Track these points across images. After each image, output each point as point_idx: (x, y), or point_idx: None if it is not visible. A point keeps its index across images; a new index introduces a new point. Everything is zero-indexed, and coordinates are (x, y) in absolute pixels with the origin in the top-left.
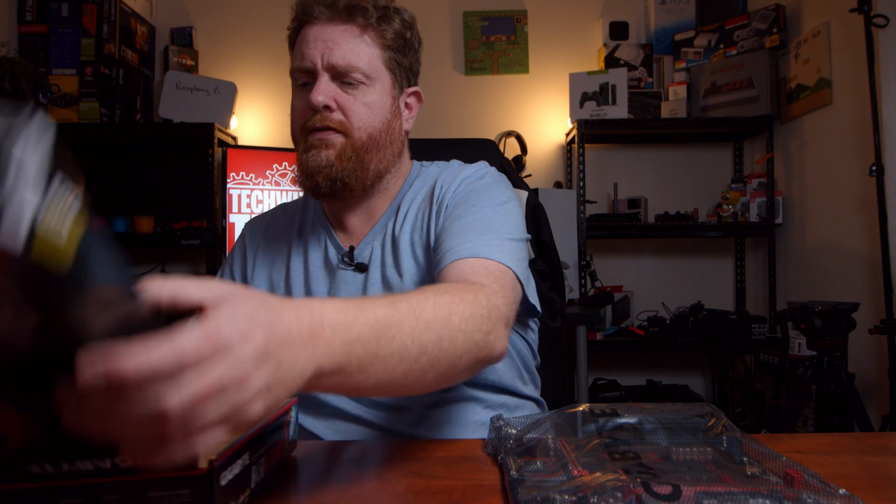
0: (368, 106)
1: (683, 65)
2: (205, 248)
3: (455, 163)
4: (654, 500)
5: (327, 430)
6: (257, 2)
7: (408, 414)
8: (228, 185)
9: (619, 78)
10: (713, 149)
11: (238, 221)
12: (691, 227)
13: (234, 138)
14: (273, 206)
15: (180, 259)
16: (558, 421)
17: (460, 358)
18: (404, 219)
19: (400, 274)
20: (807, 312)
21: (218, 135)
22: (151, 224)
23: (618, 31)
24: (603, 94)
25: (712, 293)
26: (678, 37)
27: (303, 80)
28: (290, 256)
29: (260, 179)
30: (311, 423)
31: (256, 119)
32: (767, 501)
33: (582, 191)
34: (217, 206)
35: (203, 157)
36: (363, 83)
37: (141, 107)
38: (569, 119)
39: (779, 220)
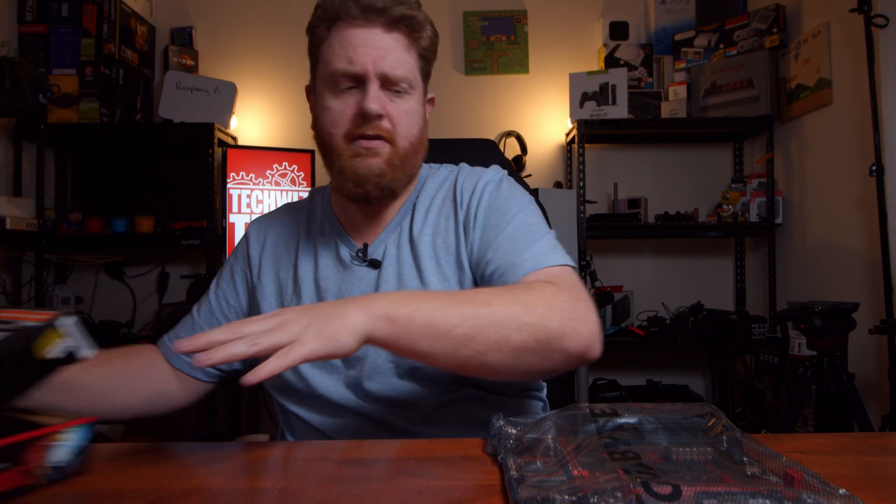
0: (410, 114)
1: (683, 65)
2: (205, 248)
3: (465, 167)
4: (654, 500)
5: (334, 427)
6: (257, 2)
7: (416, 412)
8: (228, 185)
9: (619, 78)
10: (713, 149)
11: (238, 221)
12: (691, 227)
13: (234, 138)
14: (273, 205)
15: (180, 259)
16: (558, 421)
17: (509, 334)
18: (423, 220)
19: (419, 273)
20: (807, 312)
21: (218, 135)
22: (151, 224)
23: (618, 31)
24: (603, 94)
25: (712, 293)
26: (678, 37)
27: (347, 84)
28: (297, 255)
29: (260, 179)
30: (317, 419)
31: (256, 119)
32: (767, 501)
33: (582, 191)
34: (217, 206)
35: (203, 157)
36: (407, 92)
37: (141, 107)
38: (569, 119)
39: (779, 220)
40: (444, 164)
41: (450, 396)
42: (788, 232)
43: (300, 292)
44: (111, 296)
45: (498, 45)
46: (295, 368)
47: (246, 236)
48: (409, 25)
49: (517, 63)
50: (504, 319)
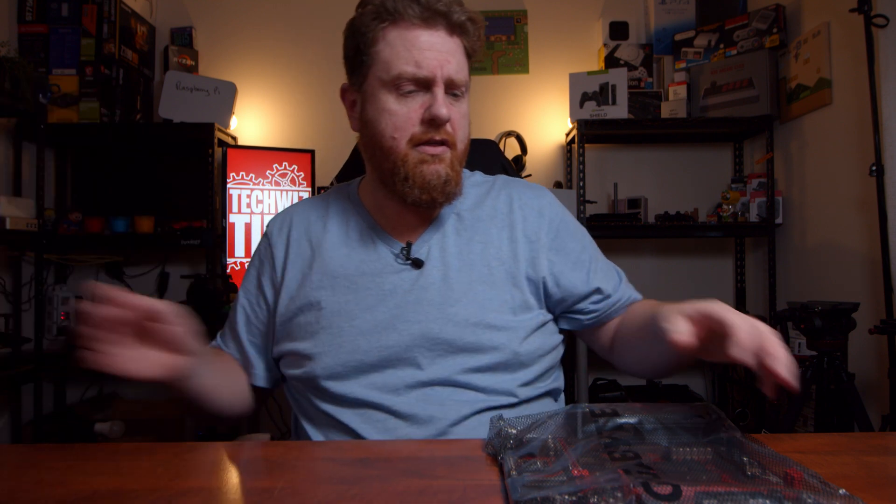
0: (466, 117)
1: (683, 65)
2: (205, 248)
3: (510, 180)
4: (654, 500)
5: (368, 428)
6: (257, 2)
7: (452, 416)
8: (228, 185)
9: (619, 78)
10: (713, 149)
11: (238, 221)
12: (691, 227)
13: (234, 138)
14: (273, 205)
15: (180, 259)
16: (558, 421)
17: None
18: (472, 228)
19: (469, 279)
20: (807, 312)
21: (218, 135)
22: (151, 224)
23: (618, 31)
24: (603, 94)
25: (712, 293)
26: (678, 37)
27: (410, 87)
28: (327, 251)
29: (260, 179)
30: (351, 417)
31: (256, 119)
32: (767, 501)
33: (582, 191)
34: (217, 206)
35: (203, 157)
36: (463, 95)
37: (141, 107)
38: (569, 119)
39: (779, 220)
40: (476, 171)
41: (472, 410)
42: (788, 232)
43: (335, 290)
44: None
45: (498, 45)
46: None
47: (267, 237)
48: (467, 30)
49: (517, 63)
50: None
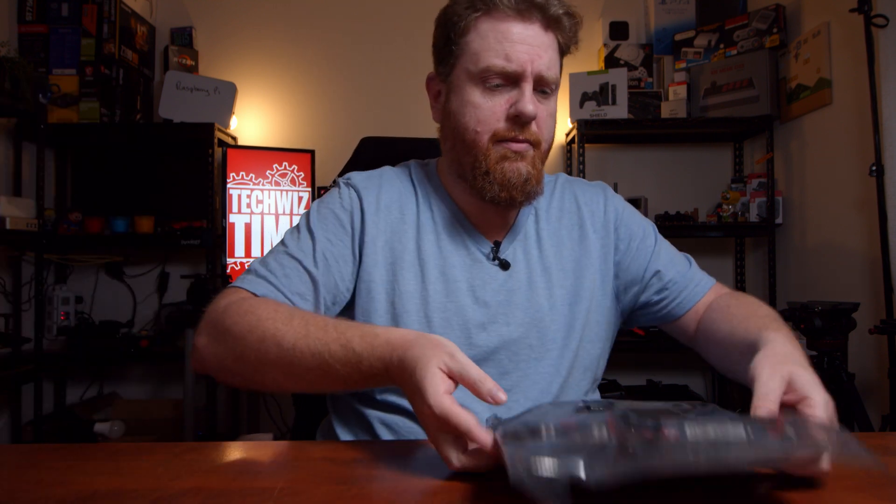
0: (553, 116)
1: (683, 65)
2: (205, 248)
3: (569, 178)
4: (637, 428)
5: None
6: (257, 2)
7: None
8: (228, 185)
9: (619, 78)
10: (713, 149)
11: (238, 221)
12: (691, 227)
13: (234, 138)
14: (273, 206)
15: (180, 259)
16: (553, 410)
17: None
18: (547, 228)
19: (548, 282)
20: (807, 312)
21: (218, 135)
22: (151, 224)
23: (618, 31)
24: (603, 94)
25: None
26: (678, 37)
27: (497, 81)
28: (419, 232)
29: (260, 179)
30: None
31: (256, 119)
32: (749, 427)
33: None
34: (217, 206)
35: (203, 157)
36: (553, 93)
37: (141, 107)
38: (569, 119)
39: (779, 220)
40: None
41: None
42: (788, 232)
43: (424, 276)
44: (111, 296)
45: None
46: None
47: (354, 189)
48: (563, 25)
49: None
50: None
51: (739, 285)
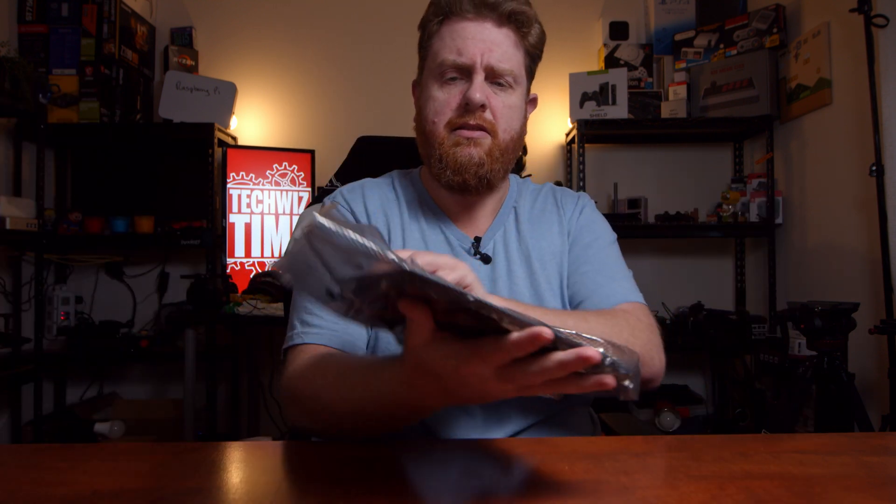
0: (512, 108)
1: (683, 65)
2: (205, 248)
3: (557, 187)
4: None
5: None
6: (257, 2)
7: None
8: (228, 185)
9: (619, 78)
10: (713, 149)
11: (238, 221)
12: (691, 227)
13: (234, 138)
14: (273, 206)
15: (180, 259)
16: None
17: None
18: (529, 226)
19: (530, 276)
20: (807, 312)
21: (218, 135)
22: (151, 224)
23: (618, 31)
24: (603, 94)
25: (712, 293)
26: (678, 37)
27: (452, 74)
28: (404, 233)
29: (260, 179)
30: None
31: (256, 119)
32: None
33: (582, 191)
34: (217, 206)
35: (203, 157)
36: (510, 87)
37: (141, 107)
38: (569, 119)
39: (779, 220)
40: (528, 178)
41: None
42: (788, 232)
43: None
44: (111, 296)
45: None
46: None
47: (344, 199)
48: (518, 21)
49: None
50: (597, 336)
51: (739, 285)
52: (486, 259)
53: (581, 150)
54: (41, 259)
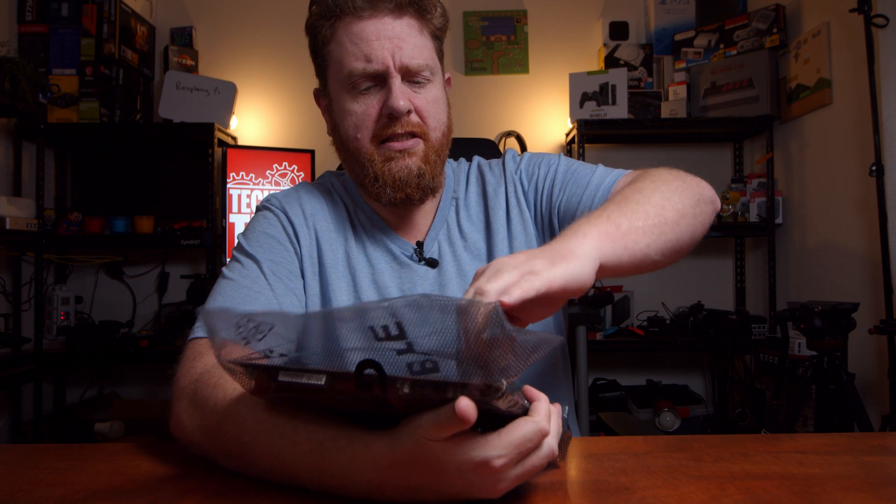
0: (436, 102)
1: (683, 65)
2: (205, 248)
3: (477, 159)
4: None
5: None
6: (257, 2)
7: None
8: (228, 185)
9: (619, 78)
10: (713, 149)
11: (238, 221)
12: None
13: (234, 138)
14: (259, 204)
15: (180, 259)
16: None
17: (683, 201)
18: (469, 213)
19: (479, 265)
20: (807, 312)
21: (218, 135)
22: (151, 224)
23: (618, 31)
24: (603, 94)
25: (712, 293)
26: (678, 37)
27: (366, 84)
28: (346, 242)
29: (260, 179)
30: None
31: (256, 119)
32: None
33: None
34: (217, 206)
35: (203, 157)
36: (429, 80)
37: (141, 107)
38: (569, 119)
39: (779, 220)
40: (461, 159)
41: None
42: (788, 232)
43: (357, 285)
44: (111, 296)
45: (498, 45)
46: None
47: (283, 212)
48: (418, 6)
49: (517, 63)
50: (666, 191)
51: (739, 285)
52: (432, 263)
53: (581, 150)
54: (41, 259)
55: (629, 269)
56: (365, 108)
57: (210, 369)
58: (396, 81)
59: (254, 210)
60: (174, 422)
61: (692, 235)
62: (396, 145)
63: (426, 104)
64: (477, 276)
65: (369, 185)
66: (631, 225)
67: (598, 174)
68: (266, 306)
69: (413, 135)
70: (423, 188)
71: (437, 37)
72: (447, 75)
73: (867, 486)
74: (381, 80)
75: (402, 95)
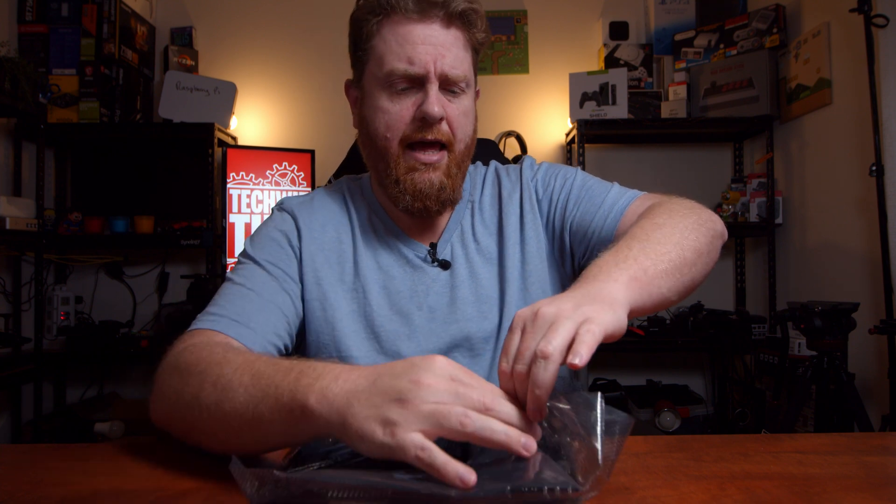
0: (467, 114)
1: (683, 65)
2: (205, 248)
3: (494, 164)
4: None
5: None
6: (257, 2)
7: None
8: (228, 185)
9: (619, 78)
10: (713, 149)
11: (238, 221)
12: None
13: (234, 138)
14: (274, 205)
15: (180, 259)
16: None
17: (697, 238)
18: (484, 218)
19: (500, 265)
20: (807, 312)
21: (218, 135)
22: (151, 224)
23: (618, 31)
24: (603, 94)
25: (712, 293)
26: (678, 37)
27: (403, 84)
28: (356, 250)
29: (260, 179)
30: None
31: (256, 119)
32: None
33: None
34: (217, 206)
35: (203, 157)
36: (464, 91)
37: (141, 107)
38: (569, 119)
39: (779, 220)
40: (477, 162)
41: None
42: (788, 232)
43: (366, 293)
44: (111, 296)
45: (498, 45)
46: None
47: (292, 217)
48: (467, 20)
49: (517, 63)
50: (684, 228)
51: (739, 285)
52: (444, 265)
53: (581, 151)
54: (41, 259)
55: (648, 312)
56: (399, 109)
57: (197, 344)
58: (434, 87)
59: (254, 210)
60: (153, 398)
61: (705, 273)
62: (423, 157)
63: (458, 115)
64: (517, 326)
65: (390, 187)
66: (655, 269)
67: (613, 194)
68: (260, 315)
69: (441, 145)
70: (443, 201)
71: (477, 50)
72: (477, 88)
73: (867, 486)
74: (418, 83)
75: (437, 102)
